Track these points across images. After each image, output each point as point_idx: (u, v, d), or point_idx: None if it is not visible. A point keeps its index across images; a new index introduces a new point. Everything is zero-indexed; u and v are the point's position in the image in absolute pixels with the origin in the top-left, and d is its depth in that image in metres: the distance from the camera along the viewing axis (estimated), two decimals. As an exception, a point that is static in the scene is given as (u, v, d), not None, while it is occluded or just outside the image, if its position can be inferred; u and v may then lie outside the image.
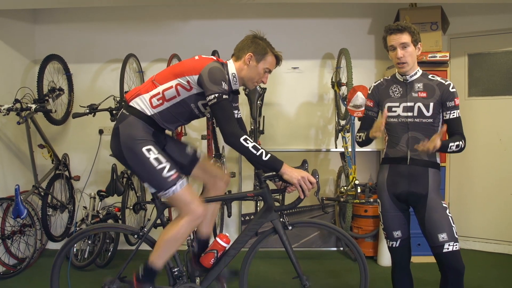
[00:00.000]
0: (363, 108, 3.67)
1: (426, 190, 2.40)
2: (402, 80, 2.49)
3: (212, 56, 2.42)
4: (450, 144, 2.36)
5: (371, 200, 3.87)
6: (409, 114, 2.43)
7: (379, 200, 2.57)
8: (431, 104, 2.40)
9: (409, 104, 2.44)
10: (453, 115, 2.41)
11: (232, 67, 2.44)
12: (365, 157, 4.50)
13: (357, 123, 3.85)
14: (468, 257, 4.14)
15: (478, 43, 4.35)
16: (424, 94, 2.42)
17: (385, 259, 3.95)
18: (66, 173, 4.21)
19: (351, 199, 3.82)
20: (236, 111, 2.54)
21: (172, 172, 2.27)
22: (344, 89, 4.03)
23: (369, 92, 2.63)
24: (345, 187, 3.89)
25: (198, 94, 2.33)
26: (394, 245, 2.54)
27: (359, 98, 3.67)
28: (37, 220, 3.87)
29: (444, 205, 2.40)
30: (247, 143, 2.21)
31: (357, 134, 2.67)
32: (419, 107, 2.41)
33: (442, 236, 2.34)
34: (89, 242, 3.92)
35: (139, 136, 2.30)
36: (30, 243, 3.93)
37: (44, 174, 4.02)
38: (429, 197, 2.39)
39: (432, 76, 2.48)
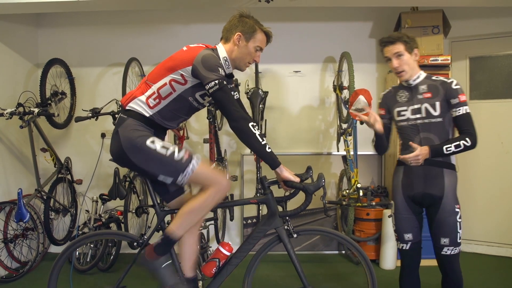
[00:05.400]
0: (365, 112, 3.68)
1: (442, 192, 2.42)
2: (406, 85, 2.54)
3: (200, 44, 2.34)
4: (445, 147, 2.36)
5: (373, 203, 3.87)
6: (418, 116, 2.47)
7: (393, 202, 2.61)
8: (437, 103, 2.42)
9: (416, 106, 2.48)
10: (459, 112, 2.41)
11: (222, 50, 2.37)
12: (367, 161, 4.50)
13: (359, 127, 3.87)
14: (471, 260, 4.14)
15: (479, 47, 4.36)
16: (429, 95, 2.45)
17: (387, 262, 3.95)
18: (69, 176, 4.22)
19: (353, 202, 3.82)
20: (232, 92, 2.42)
21: (182, 153, 2.21)
22: (346, 93, 4.04)
23: (380, 101, 2.71)
24: (347, 191, 3.89)
25: (194, 86, 2.27)
26: (404, 248, 2.56)
27: (361, 101, 3.65)
28: (40, 224, 3.87)
29: (456, 209, 2.42)
30: (255, 130, 2.18)
31: (372, 140, 2.72)
32: (426, 107, 2.45)
33: (444, 241, 2.41)
34: (92, 246, 3.92)
35: (139, 133, 2.24)
36: (32, 246, 3.93)
37: (46, 177, 4.03)
38: (443, 200, 2.41)
39: (436, 77, 2.51)
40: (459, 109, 2.41)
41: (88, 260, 3.91)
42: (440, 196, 2.42)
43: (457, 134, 2.49)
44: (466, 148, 2.38)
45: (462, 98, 2.41)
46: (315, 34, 4.57)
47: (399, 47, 2.45)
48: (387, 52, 2.49)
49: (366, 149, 4.45)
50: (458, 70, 4.40)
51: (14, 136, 4.11)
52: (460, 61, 4.42)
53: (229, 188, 2.31)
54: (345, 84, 4.04)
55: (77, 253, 3.89)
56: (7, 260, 3.79)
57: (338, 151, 4.37)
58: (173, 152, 2.21)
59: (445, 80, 2.46)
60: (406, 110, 2.51)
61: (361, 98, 3.67)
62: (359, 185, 3.79)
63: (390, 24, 4.38)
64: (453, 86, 2.42)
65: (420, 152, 2.36)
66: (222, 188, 2.25)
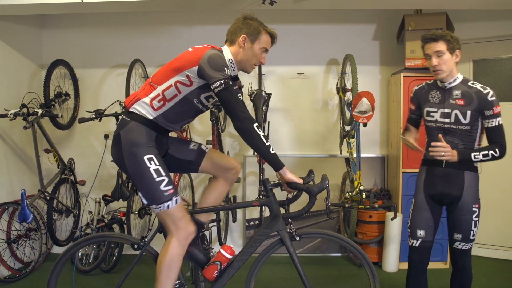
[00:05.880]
0: (368, 114, 3.68)
1: (460, 192, 2.46)
2: (441, 86, 2.54)
3: (205, 45, 2.33)
4: (474, 154, 2.40)
5: (376, 205, 3.87)
6: (446, 120, 2.49)
7: (413, 199, 2.65)
8: (468, 112, 2.43)
9: (446, 110, 2.49)
10: (492, 124, 2.43)
11: (227, 52, 2.37)
12: (370, 163, 4.49)
13: (362, 129, 3.87)
14: (474, 264, 4.07)
15: (483, 49, 4.34)
16: (461, 102, 2.45)
17: (390, 265, 3.94)
18: (72, 177, 4.23)
19: (356, 205, 3.82)
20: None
21: (169, 187, 2.22)
22: (349, 95, 4.04)
23: (412, 95, 2.71)
24: (350, 193, 3.89)
25: (200, 87, 2.26)
26: (414, 244, 2.59)
27: (364, 104, 3.67)
28: (43, 224, 3.89)
29: (474, 209, 2.47)
30: (259, 131, 2.18)
31: (402, 134, 2.78)
32: (456, 114, 2.45)
33: (457, 236, 2.52)
34: (94, 246, 3.93)
35: (142, 141, 2.24)
36: (35, 247, 3.94)
37: (50, 178, 4.04)
38: (462, 199, 2.46)
39: (472, 83, 2.50)
40: (492, 121, 2.43)
41: (90, 261, 3.92)
42: (459, 196, 2.46)
43: (484, 142, 2.50)
44: (494, 158, 2.41)
45: (497, 110, 2.42)
46: (319, 36, 4.57)
47: (441, 46, 2.45)
48: (428, 49, 2.49)
49: (369, 151, 4.45)
50: (461, 73, 4.33)
51: (18, 137, 4.13)
52: (463, 64, 4.40)
53: (192, 237, 2.32)
54: (349, 86, 4.03)
55: (79, 254, 3.90)
56: (10, 260, 3.80)
57: (341, 153, 4.36)
58: (162, 181, 2.22)
59: (481, 90, 2.44)
60: (435, 112, 2.52)
61: (365, 100, 3.69)
62: (361, 188, 3.79)
63: (393, 27, 4.38)
64: (489, 98, 2.42)
65: (449, 148, 2.39)
66: (185, 236, 2.28)
